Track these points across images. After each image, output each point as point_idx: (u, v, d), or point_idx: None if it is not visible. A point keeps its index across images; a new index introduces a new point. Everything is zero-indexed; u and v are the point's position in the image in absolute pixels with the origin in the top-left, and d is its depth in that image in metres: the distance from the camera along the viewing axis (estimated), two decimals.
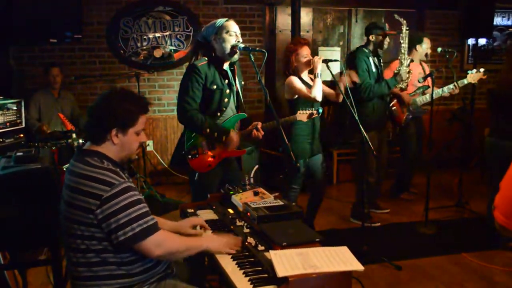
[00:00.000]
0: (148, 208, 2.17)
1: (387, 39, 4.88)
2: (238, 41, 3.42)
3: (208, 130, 3.35)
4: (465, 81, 5.18)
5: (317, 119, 4.31)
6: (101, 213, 2.03)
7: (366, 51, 4.90)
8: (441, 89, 5.23)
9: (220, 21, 3.46)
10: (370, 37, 4.91)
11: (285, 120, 3.88)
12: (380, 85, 4.79)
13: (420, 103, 5.36)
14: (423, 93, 5.33)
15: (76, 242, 2.11)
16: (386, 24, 4.94)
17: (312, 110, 3.89)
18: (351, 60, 4.94)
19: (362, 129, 3.98)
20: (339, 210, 5.38)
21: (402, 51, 4.87)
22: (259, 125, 3.50)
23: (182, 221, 2.71)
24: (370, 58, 4.87)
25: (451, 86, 5.19)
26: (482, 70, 5.08)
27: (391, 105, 5.42)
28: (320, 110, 3.96)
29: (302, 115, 3.85)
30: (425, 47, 5.48)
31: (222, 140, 3.42)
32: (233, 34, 3.41)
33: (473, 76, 5.13)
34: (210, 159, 3.47)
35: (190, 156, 3.42)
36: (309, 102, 4.14)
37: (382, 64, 5.06)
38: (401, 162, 5.86)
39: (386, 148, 5.35)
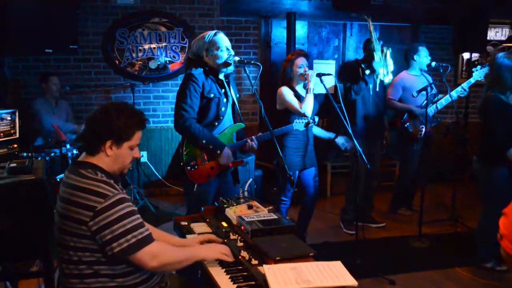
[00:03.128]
0: (142, 219, 2.17)
1: (377, 55, 4.87)
2: (230, 55, 3.44)
3: (204, 142, 3.35)
4: (472, 80, 5.12)
5: (310, 132, 4.32)
6: (95, 225, 2.02)
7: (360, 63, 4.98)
8: (448, 94, 5.16)
9: (209, 35, 3.45)
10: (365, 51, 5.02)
11: (281, 130, 3.88)
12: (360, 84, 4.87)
13: (431, 113, 5.25)
14: (433, 102, 5.25)
15: (68, 253, 2.10)
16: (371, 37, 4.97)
17: (308, 119, 3.89)
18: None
19: (356, 142, 4.00)
20: (332, 223, 5.37)
21: (373, 44, 4.85)
22: (254, 136, 3.53)
23: (189, 239, 2.67)
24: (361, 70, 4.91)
25: (458, 88, 5.15)
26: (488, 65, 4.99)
27: (402, 121, 5.38)
28: (316, 119, 3.95)
29: (299, 124, 3.85)
30: (423, 55, 5.38)
31: (217, 154, 3.42)
32: (224, 49, 3.43)
33: (479, 73, 5.05)
34: (209, 170, 3.47)
35: (189, 167, 3.41)
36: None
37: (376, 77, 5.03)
38: (400, 177, 5.82)
39: (379, 160, 5.34)
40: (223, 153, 3.42)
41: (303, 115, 4.04)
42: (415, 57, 5.40)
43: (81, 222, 2.03)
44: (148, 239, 2.11)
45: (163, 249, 2.18)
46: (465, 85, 5.15)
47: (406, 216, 5.74)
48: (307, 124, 3.87)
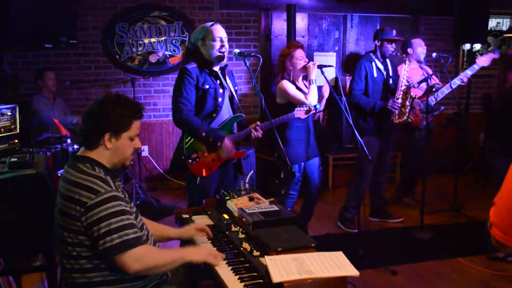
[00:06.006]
0: (134, 221, 2.13)
1: (392, 46, 4.81)
2: (223, 46, 3.44)
3: (203, 134, 3.36)
4: (476, 67, 5.05)
5: (310, 122, 4.30)
6: (85, 221, 2.02)
7: (373, 56, 4.88)
8: (452, 81, 5.09)
9: (206, 25, 3.49)
10: (376, 42, 4.88)
11: (282, 118, 3.86)
12: (368, 101, 4.75)
13: (432, 102, 5.15)
14: (432, 92, 5.14)
15: (67, 248, 2.10)
16: (394, 30, 4.89)
17: (309, 106, 3.86)
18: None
19: (357, 134, 3.97)
20: (334, 215, 5.36)
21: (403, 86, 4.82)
22: (258, 124, 3.54)
23: (185, 227, 2.69)
24: (374, 63, 4.82)
25: (461, 75, 5.09)
26: (491, 49, 4.93)
27: None
28: (318, 106, 3.93)
29: (300, 112, 3.82)
30: (416, 46, 5.38)
31: (217, 145, 3.42)
32: (217, 39, 3.43)
33: (484, 59, 4.99)
34: (211, 162, 3.47)
35: (190, 160, 3.42)
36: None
37: (390, 68, 4.99)
38: (403, 167, 5.78)
39: (390, 154, 5.27)
40: (223, 144, 3.42)
41: None
42: (409, 50, 5.39)
43: (75, 218, 2.04)
44: (132, 242, 2.05)
45: (149, 253, 2.10)
46: (469, 71, 5.07)
47: (408, 207, 5.74)
48: (308, 112, 3.82)
